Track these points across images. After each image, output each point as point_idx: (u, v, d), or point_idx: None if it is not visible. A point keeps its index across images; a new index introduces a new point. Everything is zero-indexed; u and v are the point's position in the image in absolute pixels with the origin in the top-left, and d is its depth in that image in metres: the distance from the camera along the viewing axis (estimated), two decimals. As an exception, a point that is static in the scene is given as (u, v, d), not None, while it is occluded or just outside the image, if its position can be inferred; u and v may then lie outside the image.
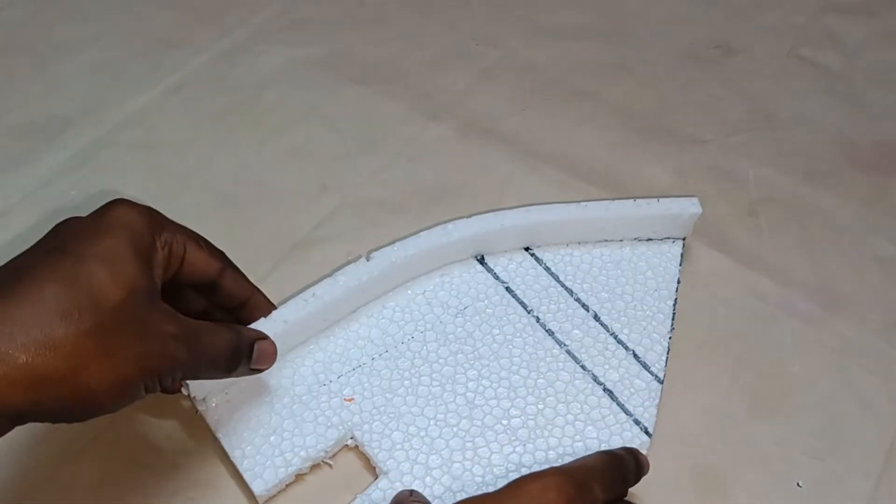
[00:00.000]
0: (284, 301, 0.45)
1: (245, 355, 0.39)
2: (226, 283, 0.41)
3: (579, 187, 0.56)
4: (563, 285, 0.50)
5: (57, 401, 0.31)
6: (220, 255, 0.41)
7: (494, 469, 0.42)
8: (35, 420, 0.31)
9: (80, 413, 0.32)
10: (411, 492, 0.40)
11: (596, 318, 0.48)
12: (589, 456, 0.39)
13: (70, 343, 0.31)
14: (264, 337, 0.41)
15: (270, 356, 0.41)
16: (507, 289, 0.49)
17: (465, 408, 0.44)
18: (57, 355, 0.30)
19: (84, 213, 0.53)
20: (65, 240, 0.34)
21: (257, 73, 0.63)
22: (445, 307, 0.48)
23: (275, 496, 0.42)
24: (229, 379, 0.43)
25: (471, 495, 0.35)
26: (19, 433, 0.44)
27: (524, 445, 0.43)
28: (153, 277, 0.35)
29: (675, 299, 0.49)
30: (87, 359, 0.31)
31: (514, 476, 0.42)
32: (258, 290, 0.43)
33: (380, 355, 0.46)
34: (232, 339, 0.38)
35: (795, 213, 0.55)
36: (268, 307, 0.43)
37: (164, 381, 0.34)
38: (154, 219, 0.37)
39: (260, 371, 0.41)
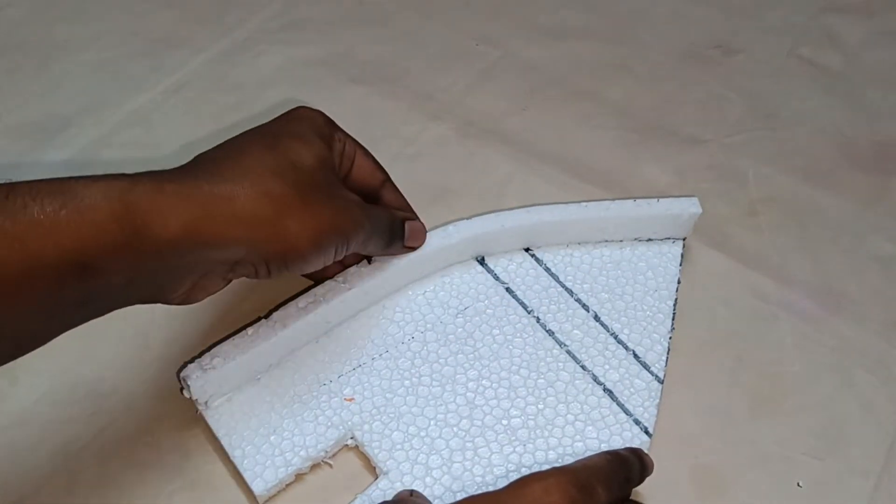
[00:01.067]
0: (284, 302, 0.45)
1: (399, 232, 0.45)
2: (386, 195, 0.46)
3: (579, 187, 0.56)
4: (563, 286, 0.50)
5: (268, 242, 0.36)
6: (382, 168, 0.46)
7: (494, 469, 0.42)
8: (247, 266, 0.37)
9: (283, 258, 0.37)
10: (411, 492, 0.40)
11: (596, 318, 0.48)
12: (592, 456, 0.39)
13: (278, 193, 0.36)
14: (414, 217, 0.47)
15: (421, 234, 0.47)
16: (508, 289, 0.49)
17: (465, 408, 0.44)
18: (269, 202, 0.36)
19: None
20: (259, 128, 0.40)
21: (257, 73, 0.63)
22: (446, 307, 0.48)
23: (275, 496, 0.42)
24: (231, 383, 0.43)
25: (471, 494, 0.35)
26: (19, 432, 0.44)
27: (524, 445, 0.43)
28: (330, 154, 0.41)
29: (676, 299, 0.49)
30: (291, 208, 0.37)
31: (514, 476, 0.42)
32: (412, 211, 0.47)
33: (380, 355, 0.46)
34: (390, 216, 0.45)
35: (795, 213, 0.55)
36: (421, 231, 0.47)
37: (351, 242, 0.40)
38: (331, 120, 0.43)
39: (413, 249, 0.47)
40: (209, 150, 0.39)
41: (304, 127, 0.41)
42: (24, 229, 0.30)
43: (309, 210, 0.37)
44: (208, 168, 0.36)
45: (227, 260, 0.36)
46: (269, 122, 0.41)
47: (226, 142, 0.39)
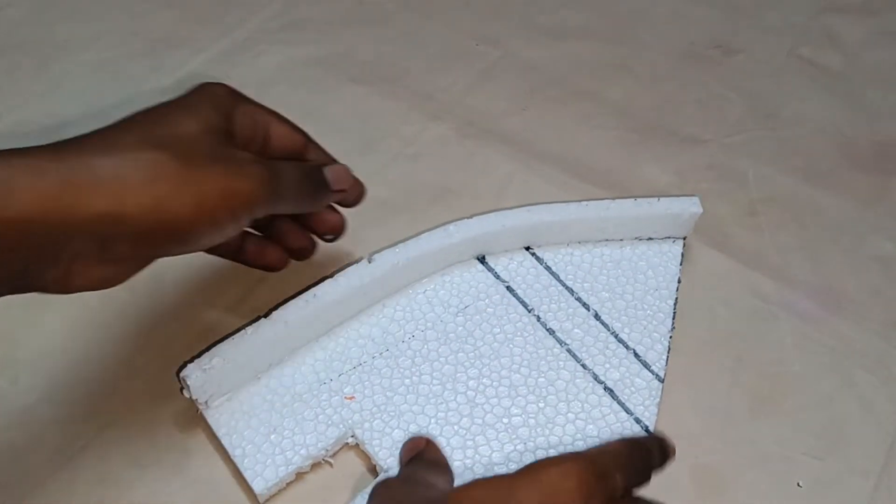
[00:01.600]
0: (285, 302, 0.45)
1: (319, 181, 0.40)
2: (310, 157, 0.42)
3: (579, 187, 0.56)
4: (563, 284, 0.50)
5: (141, 214, 0.32)
6: (301, 130, 0.42)
7: (495, 468, 0.42)
8: (122, 245, 0.33)
9: (165, 231, 0.33)
10: (427, 441, 0.39)
11: (596, 317, 0.48)
12: (612, 442, 0.37)
13: (150, 159, 0.33)
14: (332, 161, 0.42)
15: (345, 175, 0.42)
16: (508, 288, 0.49)
17: (465, 406, 0.44)
18: (138, 168, 0.32)
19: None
20: (150, 106, 0.36)
21: (257, 73, 0.63)
22: (446, 306, 0.48)
23: (276, 495, 0.42)
24: (231, 382, 0.43)
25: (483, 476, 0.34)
26: (19, 432, 0.44)
27: (525, 444, 0.43)
28: (233, 129, 0.37)
29: (676, 298, 0.49)
30: (167, 174, 0.33)
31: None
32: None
33: (380, 354, 0.46)
34: (302, 166, 0.40)
35: (795, 213, 0.55)
36: (343, 171, 0.43)
37: (256, 205, 0.36)
38: (235, 92, 0.39)
39: (343, 192, 0.42)
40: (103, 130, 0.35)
41: (198, 99, 0.37)
42: None
43: (192, 175, 0.34)
44: (76, 141, 0.33)
45: (95, 237, 0.32)
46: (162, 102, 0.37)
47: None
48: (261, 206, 0.36)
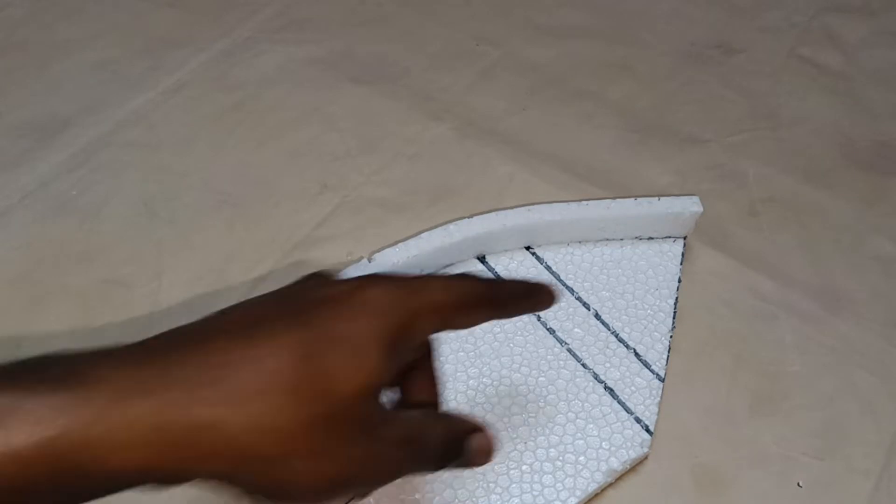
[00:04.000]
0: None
1: (456, 453, 0.32)
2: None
3: (580, 187, 0.56)
4: (564, 284, 0.50)
5: (258, 482, 0.27)
6: (490, 301, 0.34)
7: (495, 467, 0.42)
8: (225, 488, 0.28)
9: (273, 500, 0.28)
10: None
11: (597, 316, 0.48)
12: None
13: (289, 432, 0.27)
14: (480, 429, 0.33)
15: (487, 454, 0.33)
16: (508, 288, 0.49)
17: (465, 406, 0.44)
18: (273, 442, 0.27)
19: (85, 213, 0.53)
20: (312, 308, 0.29)
21: (258, 73, 0.63)
22: (446, 306, 0.48)
23: (275, 495, 0.42)
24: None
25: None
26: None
27: (525, 443, 0.43)
28: (390, 372, 0.30)
29: (676, 298, 0.49)
30: (303, 450, 0.27)
31: (515, 475, 0.42)
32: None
33: (380, 354, 0.46)
34: (446, 437, 0.32)
35: (796, 213, 0.55)
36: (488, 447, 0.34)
37: (376, 487, 0.31)
38: (410, 307, 0.30)
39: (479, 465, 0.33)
40: (211, 323, 0.30)
41: (366, 328, 0.29)
42: None
43: (329, 456, 0.28)
44: (195, 370, 0.27)
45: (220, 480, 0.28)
46: (323, 297, 0.30)
47: (252, 305, 0.30)
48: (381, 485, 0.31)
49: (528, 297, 0.35)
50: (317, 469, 0.28)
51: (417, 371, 0.34)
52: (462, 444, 0.32)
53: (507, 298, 0.34)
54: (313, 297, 0.30)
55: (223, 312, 0.30)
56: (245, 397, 0.26)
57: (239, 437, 0.26)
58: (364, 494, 0.31)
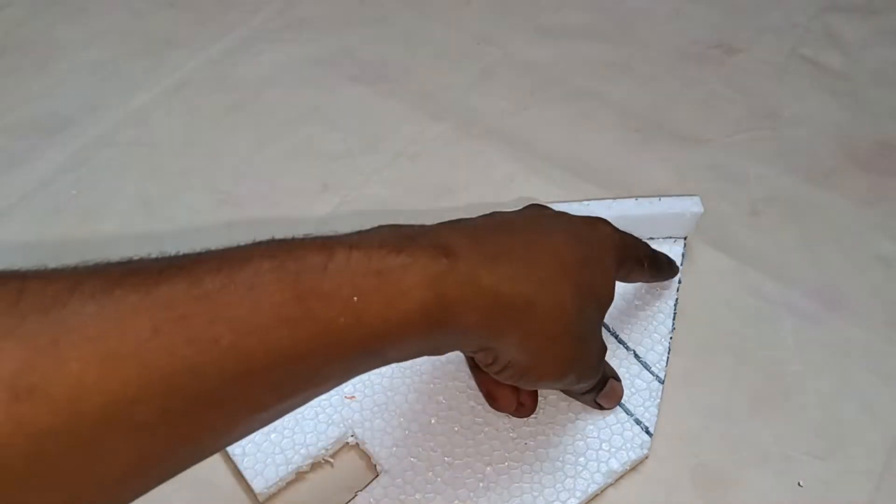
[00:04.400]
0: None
1: (598, 388, 0.43)
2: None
3: (580, 186, 0.56)
4: (563, 284, 0.49)
5: (524, 354, 0.35)
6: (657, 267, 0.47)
7: (495, 467, 0.42)
8: (493, 358, 0.36)
9: (525, 374, 0.36)
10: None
11: (597, 317, 0.48)
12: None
13: (574, 309, 0.35)
14: (618, 378, 0.44)
15: (616, 397, 0.44)
16: (508, 288, 0.49)
17: (466, 405, 0.44)
18: (556, 330, 0.35)
19: (85, 212, 0.53)
20: (576, 228, 0.38)
21: (258, 72, 0.63)
22: (446, 306, 0.48)
23: (275, 494, 0.42)
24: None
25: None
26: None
27: (525, 443, 0.43)
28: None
29: (676, 299, 0.49)
30: (575, 329, 0.36)
31: (515, 475, 0.42)
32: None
33: (380, 354, 0.46)
34: (606, 372, 0.43)
35: (796, 213, 0.55)
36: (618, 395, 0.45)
37: (572, 383, 0.39)
38: (627, 252, 0.42)
39: (601, 408, 0.44)
40: (521, 218, 0.38)
41: (610, 259, 0.39)
42: (335, 312, 0.28)
43: (582, 344, 0.37)
44: (520, 260, 0.34)
45: (486, 348, 0.35)
46: (574, 221, 0.39)
47: (533, 217, 0.39)
48: (576, 381, 0.39)
49: (671, 266, 0.48)
50: (572, 351, 0.36)
51: None
52: (604, 386, 0.43)
53: (664, 263, 0.47)
54: (569, 219, 0.39)
55: (506, 216, 0.38)
56: (550, 282, 0.34)
57: (541, 315, 0.34)
58: (580, 381, 0.40)
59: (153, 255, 0.27)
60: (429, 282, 0.30)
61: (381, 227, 0.33)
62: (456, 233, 0.33)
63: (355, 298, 0.28)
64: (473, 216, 0.37)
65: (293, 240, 0.31)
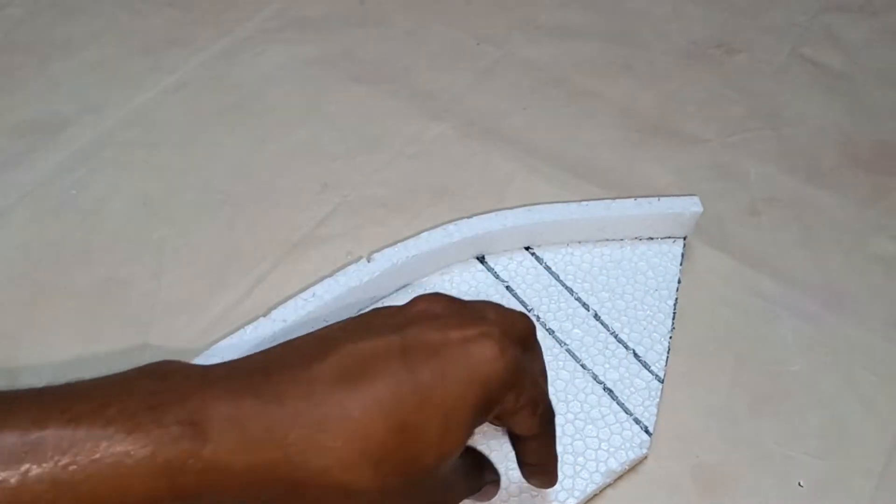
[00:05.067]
0: (284, 301, 0.45)
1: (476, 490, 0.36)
2: (529, 448, 0.35)
3: (580, 186, 0.56)
4: (563, 284, 0.49)
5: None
6: (546, 421, 0.34)
7: (495, 466, 0.42)
8: None
9: None
10: None
11: (596, 317, 0.48)
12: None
13: (370, 490, 0.28)
14: (497, 480, 0.37)
15: (490, 497, 0.38)
16: (508, 288, 0.49)
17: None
18: (351, 497, 0.28)
19: (85, 212, 0.53)
20: (419, 361, 0.29)
21: (258, 72, 0.63)
22: (446, 306, 0.48)
23: (274, 495, 0.42)
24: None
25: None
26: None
27: (524, 444, 0.43)
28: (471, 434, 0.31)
29: (676, 298, 0.49)
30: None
31: (514, 475, 0.42)
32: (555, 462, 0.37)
33: (380, 354, 0.46)
34: (483, 480, 0.36)
35: (797, 213, 0.55)
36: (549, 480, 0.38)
37: None
38: (519, 371, 0.30)
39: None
40: (343, 355, 0.29)
41: (463, 393, 0.29)
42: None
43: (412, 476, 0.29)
44: (305, 426, 0.27)
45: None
46: (421, 338, 0.30)
47: (342, 351, 0.29)
48: None
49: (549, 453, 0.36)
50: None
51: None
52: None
53: (552, 427, 0.35)
54: (423, 341, 0.30)
55: (330, 342, 0.30)
56: (339, 463, 0.27)
57: (322, 498, 0.27)
58: None
59: None
60: (162, 471, 0.25)
61: (140, 373, 0.28)
62: (225, 397, 0.27)
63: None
64: (334, 322, 0.32)
65: (3, 397, 0.25)
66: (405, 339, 0.29)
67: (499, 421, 0.33)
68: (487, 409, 0.30)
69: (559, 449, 0.43)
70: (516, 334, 0.31)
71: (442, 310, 0.31)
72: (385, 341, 0.29)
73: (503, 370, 0.29)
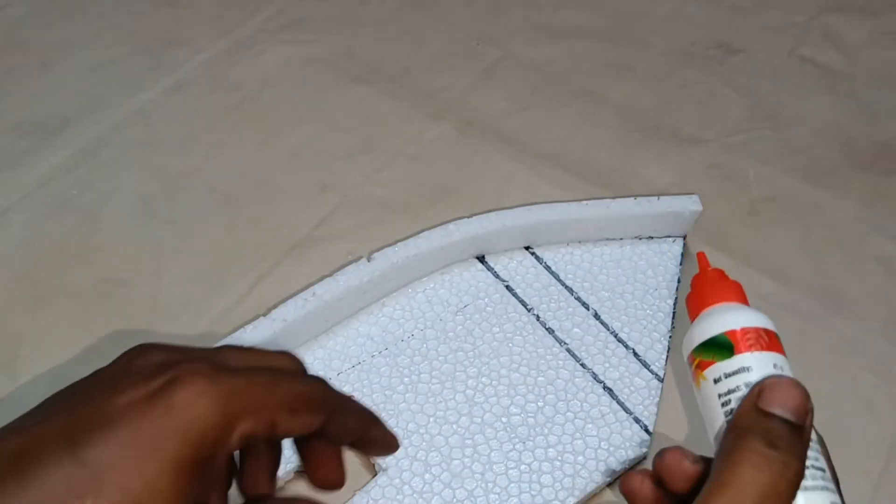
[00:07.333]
0: (284, 300, 0.45)
1: None
2: (331, 430, 0.30)
3: (580, 186, 0.56)
4: (563, 284, 0.49)
5: None
6: (322, 404, 0.30)
7: (494, 466, 0.42)
8: None
9: None
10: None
11: (596, 316, 0.48)
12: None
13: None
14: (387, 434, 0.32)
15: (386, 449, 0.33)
16: (508, 287, 0.49)
17: (464, 405, 0.44)
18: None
19: (85, 212, 0.53)
20: (91, 431, 0.24)
21: (258, 72, 0.63)
22: (445, 305, 0.48)
23: (274, 494, 0.42)
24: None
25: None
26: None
27: (524, 443, 0.43)
28: (193, 494, 0.25)
29: (676, 298, 0.49)
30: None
31: (513, 474, 0.42)
32: (377, 421, 0.32)
33: (379, 353, 0.46)
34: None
35: (796, 213, 0.55)
36: (390, 444, 0.33)
37: None
38: (231, 407, 0.26)
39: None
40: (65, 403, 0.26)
41: (156, 457, 0.24)
42: None
43: None
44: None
45: None
46: (99, 403, 0.25)
47: (17, 437, 0.24)
48: None
49: (368, 425, 0.32)
50: None
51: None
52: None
53: (344, 415, 0.31)
54: (92, 414, 0.25)
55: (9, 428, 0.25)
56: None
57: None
58: None
59: None
60: None
61: None
62: None
63: None
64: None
65: None
66: (74, 417, 0.24)
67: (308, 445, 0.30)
68: (209, 457, 0.25)
69: (559, 448, 0.43)
70: (234, 384, 0.26)
71: (139, 366, 0.27)
72: (49, 424, 0.24)
73: (210, 408, 0.25)
